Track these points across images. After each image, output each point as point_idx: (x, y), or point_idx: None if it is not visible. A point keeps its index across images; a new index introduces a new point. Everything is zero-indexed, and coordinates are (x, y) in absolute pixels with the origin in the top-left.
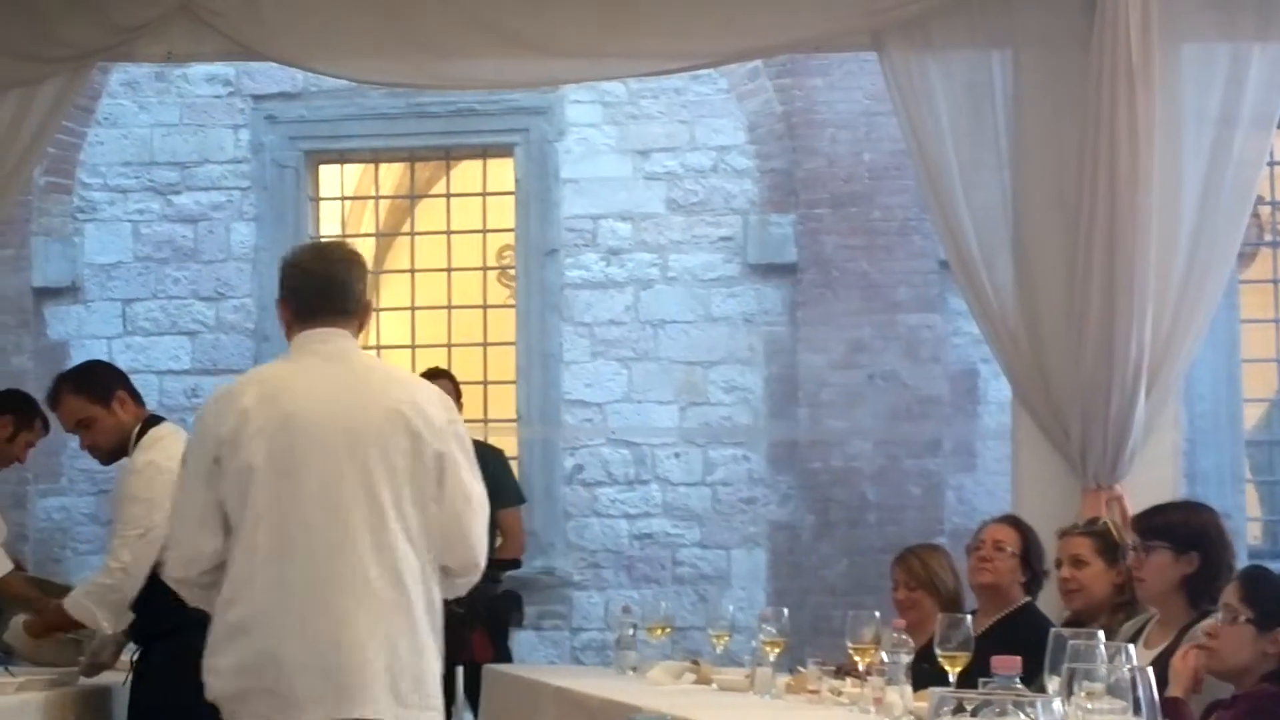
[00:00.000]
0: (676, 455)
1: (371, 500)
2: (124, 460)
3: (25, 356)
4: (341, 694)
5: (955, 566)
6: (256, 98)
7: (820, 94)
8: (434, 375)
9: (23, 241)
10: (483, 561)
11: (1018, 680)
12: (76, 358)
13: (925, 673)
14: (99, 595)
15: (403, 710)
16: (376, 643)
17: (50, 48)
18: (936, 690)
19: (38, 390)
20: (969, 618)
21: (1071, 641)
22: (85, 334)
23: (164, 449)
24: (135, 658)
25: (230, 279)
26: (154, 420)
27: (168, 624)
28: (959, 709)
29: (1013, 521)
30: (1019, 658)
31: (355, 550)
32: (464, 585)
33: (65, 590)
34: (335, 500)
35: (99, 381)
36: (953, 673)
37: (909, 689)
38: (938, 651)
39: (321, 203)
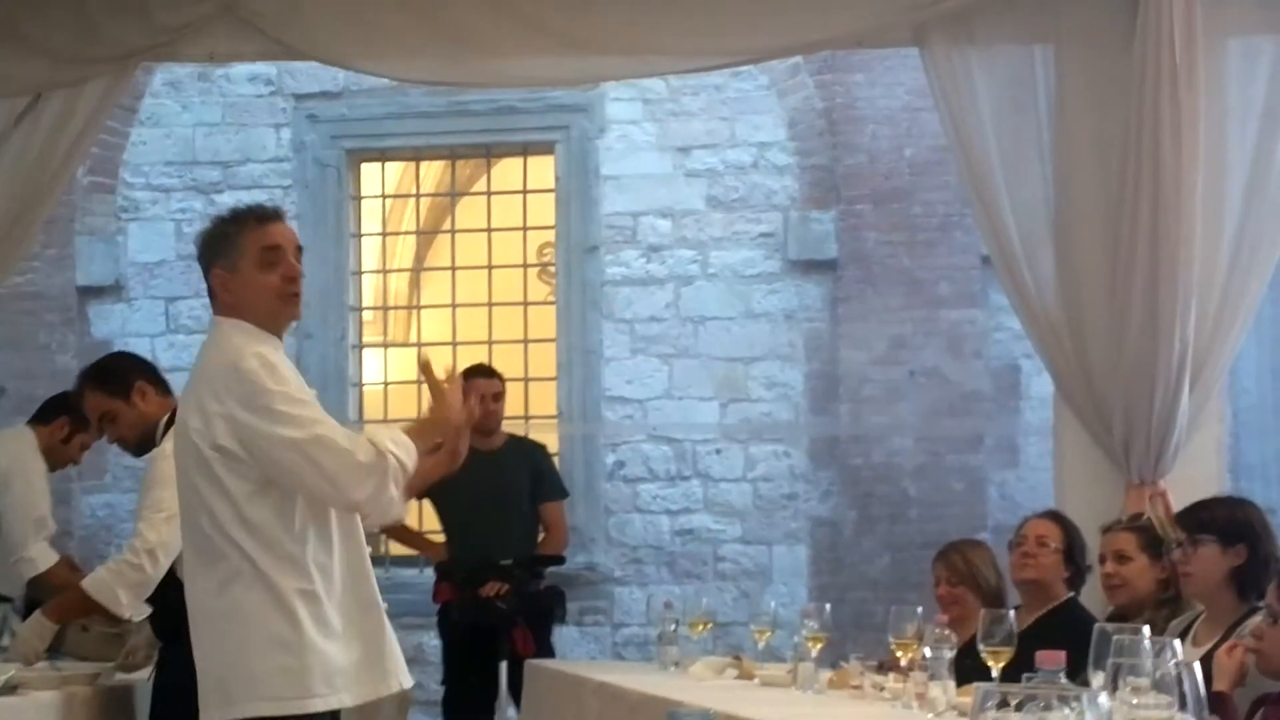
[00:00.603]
0: (717, 451)
1: None
2: (154, 451)
3: (70, 355)
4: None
5: (997, 562)
6: (298, 97)
7: (861, 89)
8: (478, 373)
9: (67, 241)
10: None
11: (1062, 675)
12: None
13: (968, 668)
14: (122, 575)
15: None
16: None
17: (94, 48)
18: (981, 685)
19: None
20: (1012, 613)
21: (1116, 636)
22: (129, 332)
23: None
24: (157, 656)
25: None
26: None
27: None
28: (1003, 704)
29: (1056, 517)
30: (1063, 653)
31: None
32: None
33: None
34: None
35: (116, 375)
36: (995, 668)
37: (952, 684)
38: (980, 647)
39: (363, 201)
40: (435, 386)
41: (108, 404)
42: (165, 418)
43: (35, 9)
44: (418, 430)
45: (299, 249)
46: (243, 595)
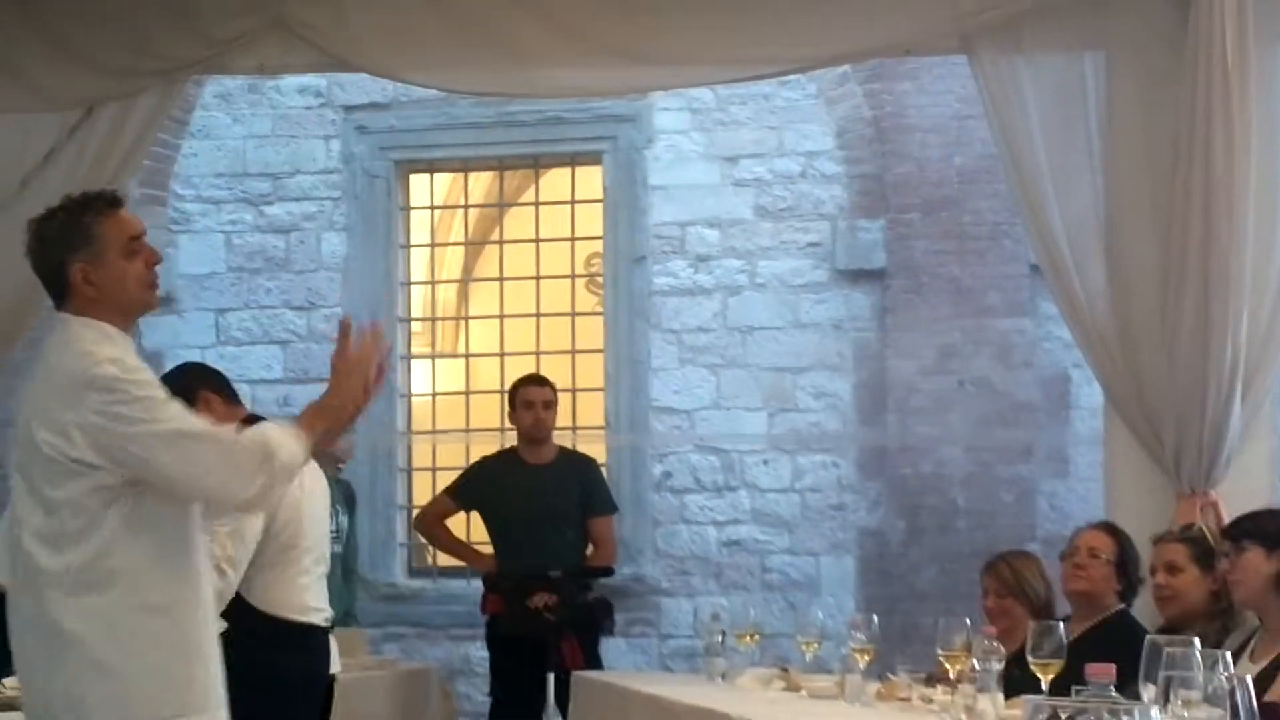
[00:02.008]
0: (765, 462)
1: None
2: None
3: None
4: None
5: (1047, 573)
6: (347, 108)
7: (910, 98)
8: (530, 381)
9: None
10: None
11: (1112, 689)
12: (171, 367)
13: (1016, 680)
14: None
15: None
16: None
17: (146, 61)
18: (1031, 698)
19: None
20: (1062, 625)
21: (1167, 649)
22: (179, 344)
23: None
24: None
25: (321, 288)
26: (254, 419)
27: (244, 635)
28: (1053, 717)
29: (1108, 528)
30: (1113, 665)
31: None
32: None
33: None
34: None
35: (181, 386)
36: (1045, 681)
37: (1000, 697)
38: (1030, 659)
39: (411, 212)
40: (341, 355)
41: None
42: (233, 429)
43: (87, 23)
44: (315, 414)
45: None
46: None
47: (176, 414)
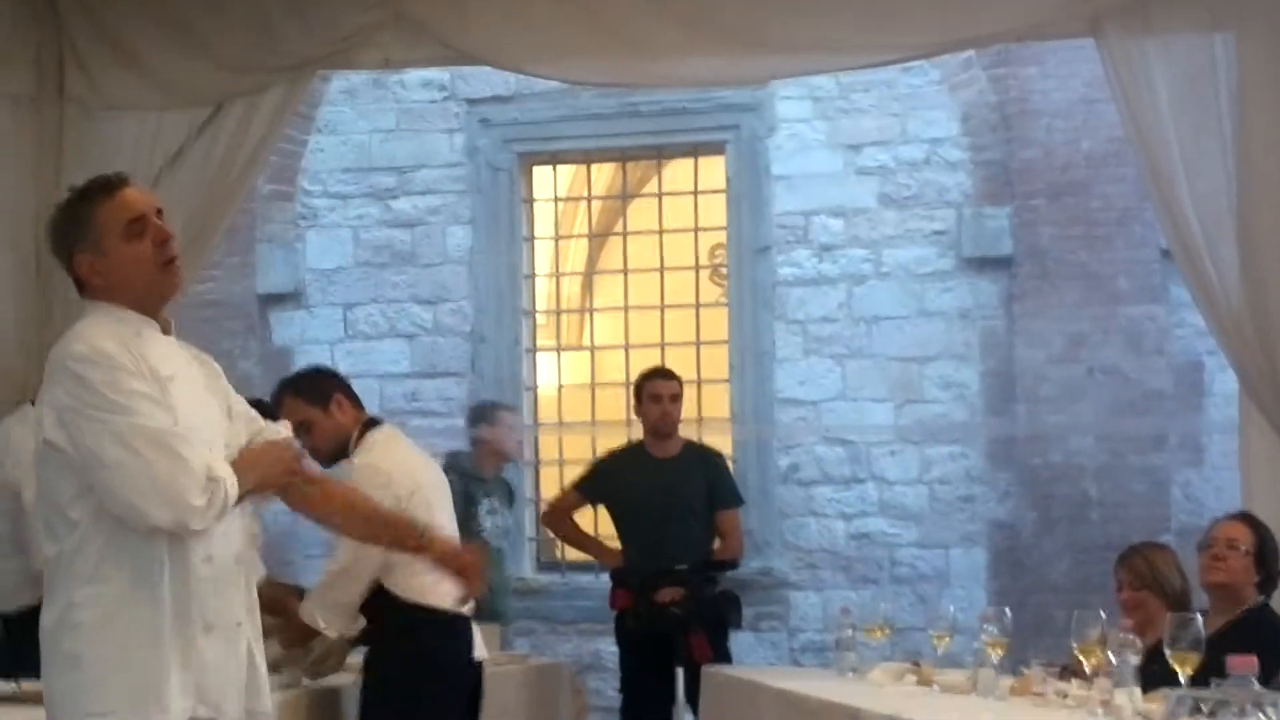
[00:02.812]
0: (892, 453)
1: None
2: (343, 463)
3: (251, 362)
4: None
5: (1182, 565)
6: (471, 101)
7: (1036, 82)
8: (657, 374)
9: (248, 249)
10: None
11: (1255, 681)
12: (300, 363)
13: (1153, 674)
14: (319, 598)
15: None
16: None
17: (273, 58)
18: (1173, 691)
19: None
20: (1199, 617)
21: None
22: (308, 339)
23: (382, 451)
24: (364, 659)
25: (447, 282)
26: (372, 423)
27: (391, 625)
28: (1195, 709)
29: (1247, 519)
30: (1254, 657)
31: None
32: None
33: (303, 592)
34: None
35: (317, 386)
36: (1183, 674)
37: (1138, 691)
38: (1167, 652)
39: (535, 204)
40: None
41: (306, 412)
42: (357, 431)
43: (215, 20)
44: (250, 460)
45: (159, 210)
46: None
47: (133, 408)
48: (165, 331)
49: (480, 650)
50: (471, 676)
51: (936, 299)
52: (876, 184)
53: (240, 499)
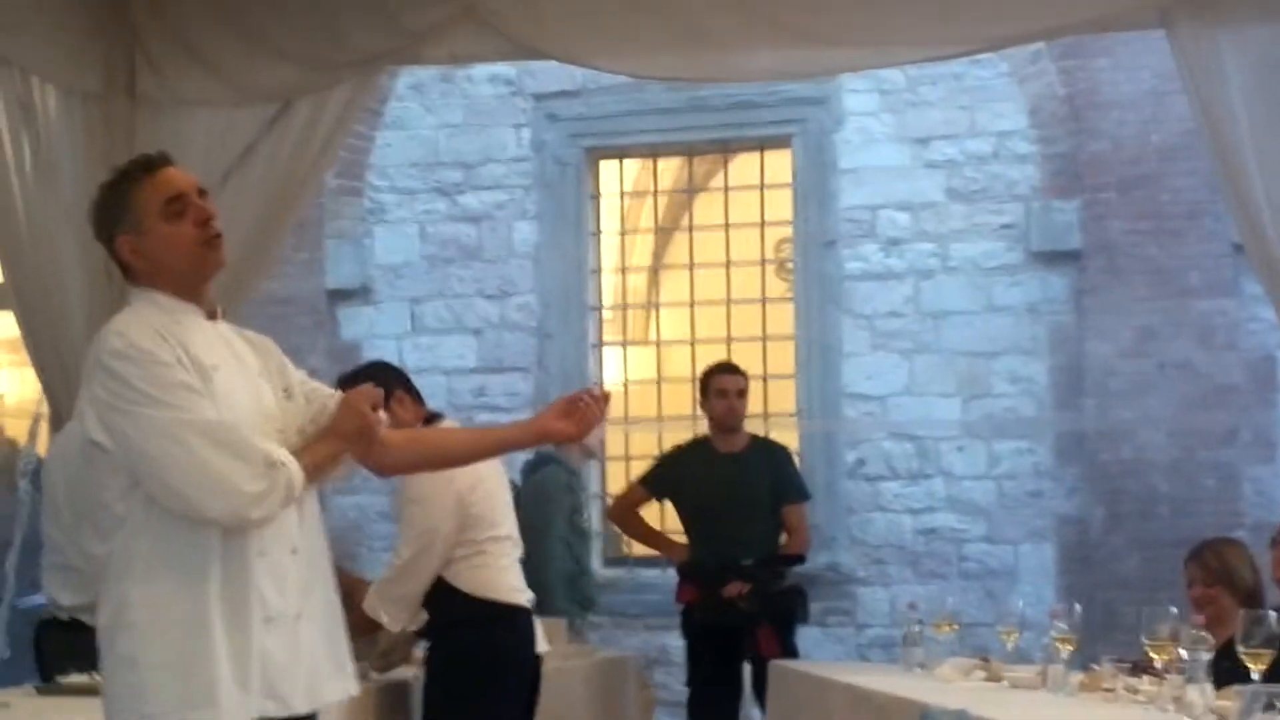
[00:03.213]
0: (960, 448)
1: None
2: None
3: (319, 357)
4: None
5: (1255, 561)
6: (537, 96)
7: (1105, 74)
8: (723, 369)
9: (316, 244)
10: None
11: None
12: (367, 358)
13: (1225, 671)
14: (382, 592)
15: None
16: None
17: (341, 53)
18: (1247, 687)
19: None
20: (1273, 614)
21: None
22: (376, 334)
23: None
24: (426, 652)
25: (513, 277)
26: (434, 418)
27: (454, 618)
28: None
29: None
30: None
31: None
32: None
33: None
34: None
35: (377, 381)
36: (1256, 671)
37: (1209, 687)
38: (1239, 649)
39: (601, 199)
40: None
41: None
42: (418, 426)
43: (283, 17)
44: (324, 430)
45: (201, 190)
46: None
47: (179, 401)
48: (211, 317)
49: (542, 644)
50: (532, 670)
51: (1004, 293)
52: (944, 177)
53: (318, 472)
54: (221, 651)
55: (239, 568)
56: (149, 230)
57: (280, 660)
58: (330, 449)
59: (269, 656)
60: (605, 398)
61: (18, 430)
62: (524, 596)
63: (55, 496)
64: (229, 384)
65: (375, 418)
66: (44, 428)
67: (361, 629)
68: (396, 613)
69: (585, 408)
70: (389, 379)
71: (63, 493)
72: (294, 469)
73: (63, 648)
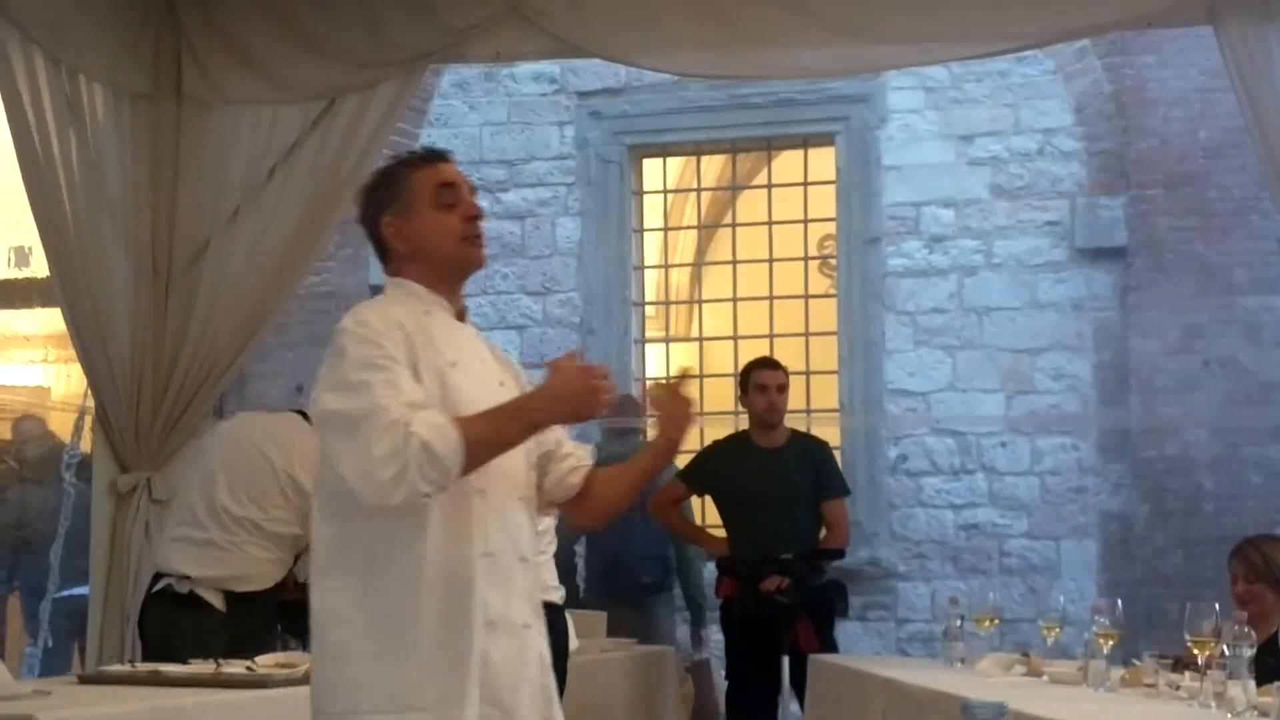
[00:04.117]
0: (1003, 444)
1: None
2: None
3: None
4: None
5: None
6: (581, 94)
7: (1152, 71)
8: (763, 364)
9: (361, 241)
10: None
11: None
12: None
13: (1268, 667)
14: None
15: None
16: None
17: (385, 52)
18: None
19: None
20: None
21: None
22: None
23: None
24: None
25: (556, 274)
26: None
27: None
28: None
29: None
30: None
31: None
32: None
33: None
34: None
35: None
36: None
37: (1252, 684)
38: None
39: (644, 196)
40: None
41: None
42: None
43: (328, 15)
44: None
45: (474, 190)
46: None
47: (371, 384)
48: (459, 318)
49: (573, 641)
50: (562, 665)
51: (1049, 290)
52: (988, 174)
53: (496, 447)
54: (432, 651)
55: (459, 567)
56: (417, 214)
57: (507, 670)
58: (525, 420)
59: (495, 664)
60: (679, 383)
61: (62, 424)
62: (556, 594)
63: (216, 471)
64: (466, 382)
65: (603, 385)
66: (88, 422)
67: None
68: None
69: (672, 404)
70: None
71: (241, 471)
72: (436, 444)
73: (167, 625)
